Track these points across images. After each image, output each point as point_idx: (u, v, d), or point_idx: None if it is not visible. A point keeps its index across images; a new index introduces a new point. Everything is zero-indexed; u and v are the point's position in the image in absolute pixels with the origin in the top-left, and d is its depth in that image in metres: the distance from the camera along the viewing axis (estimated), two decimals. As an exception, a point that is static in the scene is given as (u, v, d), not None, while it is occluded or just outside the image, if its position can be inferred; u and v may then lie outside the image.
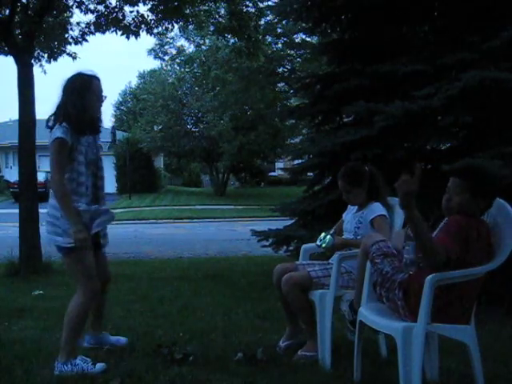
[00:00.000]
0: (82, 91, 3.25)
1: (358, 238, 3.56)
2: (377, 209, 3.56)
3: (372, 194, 3.63)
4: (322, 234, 3.60)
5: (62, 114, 3.27)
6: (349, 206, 3.85)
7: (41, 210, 7.65)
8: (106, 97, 3.43)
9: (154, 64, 68.17)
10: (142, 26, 8.59)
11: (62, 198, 3.21)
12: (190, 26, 10.20)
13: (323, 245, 3.55)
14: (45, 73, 9.40)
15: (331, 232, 3.63)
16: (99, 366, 3.25)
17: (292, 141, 25.63)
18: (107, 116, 50.55)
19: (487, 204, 2.83)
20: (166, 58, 29.87)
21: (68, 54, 9.06)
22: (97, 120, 3.42)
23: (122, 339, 3.76)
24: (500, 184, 2.99)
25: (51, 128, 3.30)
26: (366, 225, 3.56)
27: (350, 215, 3.78)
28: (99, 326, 3.75)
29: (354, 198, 3.66)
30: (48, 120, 3.35)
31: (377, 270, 3.00)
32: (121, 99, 48.20)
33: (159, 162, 36.69)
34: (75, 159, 3.25)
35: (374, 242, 3.08)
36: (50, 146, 3.22)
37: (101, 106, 3.42)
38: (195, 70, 28.46)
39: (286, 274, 3.60)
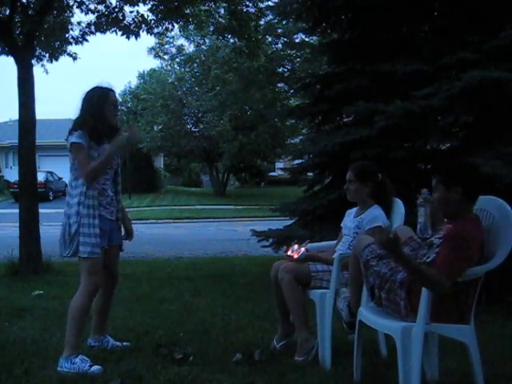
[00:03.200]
0: (100, 102, 3.48)
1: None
2: (375, 217, 3.56)
3: (375, 198, 3.65)
4: (295, 246, 3.68)
5: (79, 123, 3.48)
6: (346, 212, 3.86)
7: (41, 210, 7.66)
8: (121, 107, 3.63)
9: (154, 64, 68.07)
10: (142, 26, 8.59)
11: (94, 170, 3.39)
12: (190, 26, 10.20)
13: (295, 256, 3.61)
14: (47, 72, 9.42)
15: (305, 245, 3.70)
16: (95, 368, 3.26)
17: (292, 141, 25.61)
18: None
19: (465, 194, 2.80)
20: (166, 57, 29.85)
21: (68, 54, 9.06)
22: (114, 128, 3.61)
23: (125, 343, 3.78)
24: (471, 165, 2.95)
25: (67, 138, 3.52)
26: (364, 230, 3.57)
27: (348, 220, 3.79)
28: (103, 330, 3.78)
29: (353, 191, 3.66)
30: (68, 133, 3.55)
31: (373, 272, 2.98)
32: (120, 99, 48.16)
33: (159, 162, 36.66)
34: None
35: (365, 245, 3.07)
36: (70, 152, 3.46)
37: (117, 115, 3.66)
38: (195, 70, 28.45)
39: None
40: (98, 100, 3.48)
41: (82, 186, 3.40)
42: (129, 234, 3.85)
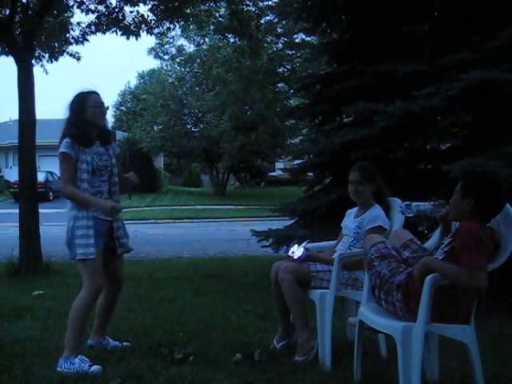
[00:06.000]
0: (81, 106, 3.51)
1: (360, 242, 3.57)
2: (376, 217, 3.56)
3: (376, 196, 3.66)
4: (295, 247, 3.68)
5: (65, 131, 3.53)
6: (347, 213, 3.86)
7: (41, 210, 7.66)
8: (107, 107, 3.66)
9: (154, 64, 68.07)
10: (142, 26, 8.58)
11: (74, 195, 3.43)
12: (190, 26, 10.20)
13: (295, 256, 3.61)
14: (46, 72, 9.42)
15: (304, 245, 3.70)
16: (95, 367, 3.26)
17: (292, 141, 25.60)
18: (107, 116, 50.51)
19: (476, 208, 2.77)
20: (166, 57, 29.85)
21: (71, 54, 9.06)
22: (103, 129, 3.62)
23: (125, 343, 3.78)
24: (497, 185, 2.88)
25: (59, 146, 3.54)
26: (364, 230, 3.58)
27: (348, 220, 3.79)
28: (103, 332, 3.78)
29: (362, 192, 3.64)
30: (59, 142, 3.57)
31: (374, 272, 2.99)
32: (120, 99, 48.16)
33: (159, 162, 36.65)
34: (78, 168, 3.45)
35: (372, 244, 3.08)
36: (59, 159, 3.49)
37: (102, 115, 3.61)
38: (195, 70, 28.45)
39: None
40: (78, 105, 3.51)
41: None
42: None
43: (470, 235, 2.68)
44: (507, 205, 2.84)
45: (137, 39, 8.61)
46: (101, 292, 3.51)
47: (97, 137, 3.55)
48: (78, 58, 9.15)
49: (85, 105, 3.50)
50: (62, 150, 3.44)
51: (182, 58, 28.40)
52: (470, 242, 2.66)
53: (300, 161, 7.07)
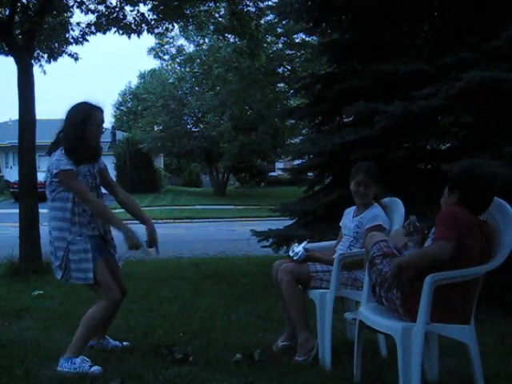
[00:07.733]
0: (83, 121, 3.36)
1: (359, 241, 3.57)
2: (376, 216, 3.56)
3: (374, 197, 3.66)
4: (295, 246, 3.69)
5: (62, 140, 3.42)
6: (344, 212, 3.86)
7: (41, 210, 7.65)
8: (105, 129, 3.55)
9: (154, 64, 68.08)
10: (143, 25, 8.58)
11: (104, 212, 3.40)
12: (190, 27, 10.19)
13: (295, 257, 3.61)
14: (44, 73, 9.39)
15: (304, 245, 3.69)
16: (95, 368, 3.26)
17: (292, 141, 25.59)
18: (107, 116, 50.40)
19: (461, 200, 2.81)
20: (166, 57, 29.85)
21: (70, 54, 9.04)
22: (95, 149, 3.52)
23: (125, 343, 3.78)
24: (482, 178, 2.89)
25: (50, 154, 3.48)
26: (364, 229, 3.58)
27: (347, 220, 3.78)
28: (104, 333, 3.77)
29: (368, 194, 3.61)
30: (50, 148, 3.51)
31: (376, 270, 2.99)
32: (120, 99, 48.11)
33: (159, 162, 36.66)
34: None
35: (375, 242, 3.09)
36: (61, 178, 3.41)
37: (99, 136, 3.51)
38: (195, 70, 28.45)
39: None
40: (81, 118, 3.36)
41: (65, 211, 3.41)
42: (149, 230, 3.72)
43: (444, 213, 2.79)
44: (506, 204, 2.84)
45: (138, 37, 8.60)
46: (117, 305, 3.50)
47: (87, 158, 3.44)
48: (76, 58, 9.13)
49: (87, 120, 3.36)
50: (66, 167, 3.32)
51: (182, 57, 28.42)
52: (442, 219, 2.76)
53: (300, 161, 7.06)
